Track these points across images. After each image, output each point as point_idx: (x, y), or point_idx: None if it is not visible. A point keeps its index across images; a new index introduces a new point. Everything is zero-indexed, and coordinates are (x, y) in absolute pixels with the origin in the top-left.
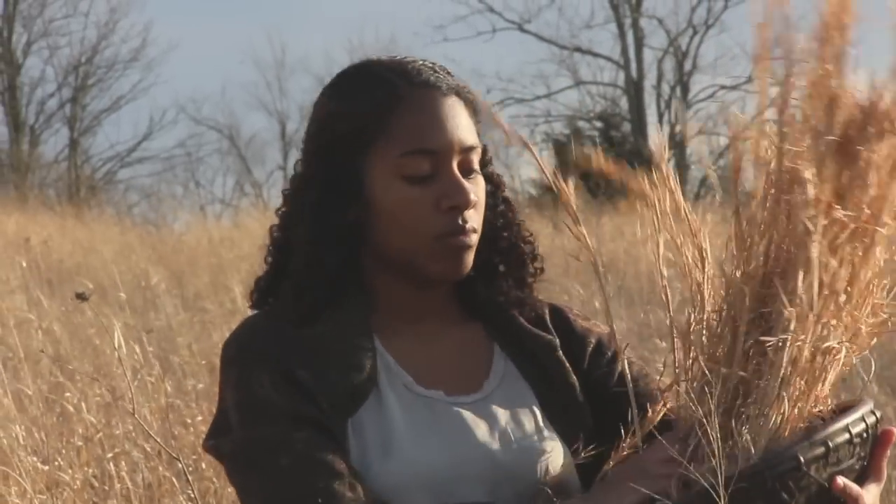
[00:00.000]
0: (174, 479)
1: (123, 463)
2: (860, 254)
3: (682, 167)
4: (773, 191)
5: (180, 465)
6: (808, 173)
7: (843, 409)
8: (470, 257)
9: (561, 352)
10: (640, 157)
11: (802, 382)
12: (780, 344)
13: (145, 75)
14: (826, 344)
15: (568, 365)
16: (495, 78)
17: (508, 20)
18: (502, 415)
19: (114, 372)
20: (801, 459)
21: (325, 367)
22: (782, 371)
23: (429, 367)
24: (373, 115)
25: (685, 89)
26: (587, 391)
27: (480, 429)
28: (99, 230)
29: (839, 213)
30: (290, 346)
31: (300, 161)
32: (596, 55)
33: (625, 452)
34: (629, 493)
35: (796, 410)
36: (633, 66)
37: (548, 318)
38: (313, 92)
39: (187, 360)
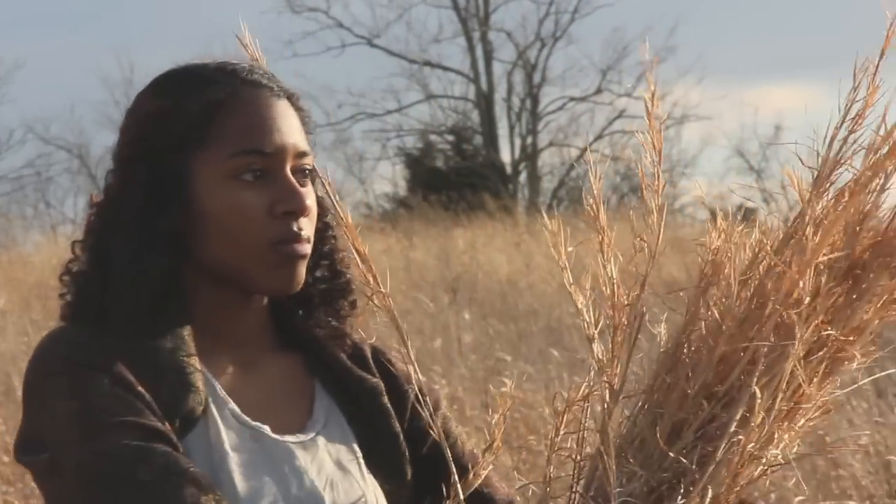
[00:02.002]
0: None
1: None
2: (823, 376)
3: (533, 178)
4: (752, 288)
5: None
6: (803, 283)
7: None
8: (303, 269)
9: (386, 398)
10: (492, 169)
11: (729, 481)
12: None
13: None
14: (773, 452)
15: (392, 412)
16: (346, 93)
17: (357, 35)
18: (328, 459)
19: None
20: None
21: (160, 384)
22: (720, 470)
23: (251, 396)
24: (201, 114)
25: (535, 101)
26: (407, 441)
27: (310, 473)
28: None
29: (827, 331)
30: (121, 358)
31: (116, 167)
32: (446, 69)
33: None
34: None
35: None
36: (483, 79)
37: (370, 358)
38: None
39: None
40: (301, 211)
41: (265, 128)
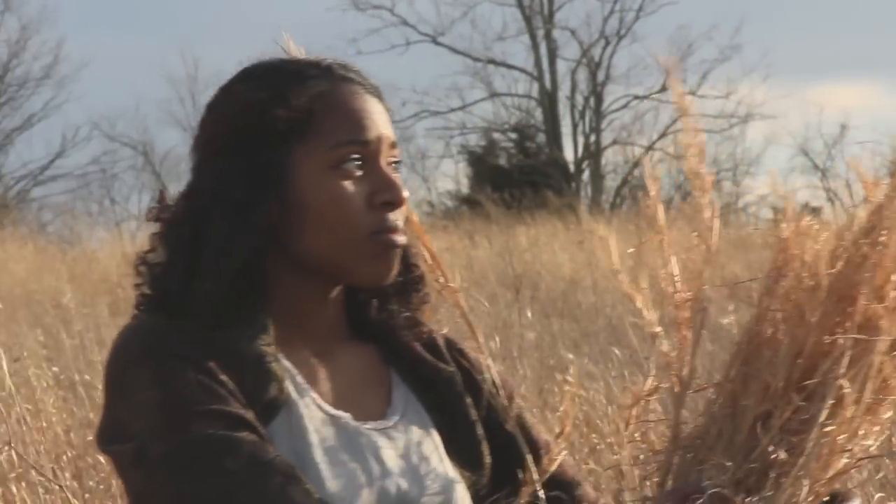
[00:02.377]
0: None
1: (24, 484)
2: None
3: (596, 177)
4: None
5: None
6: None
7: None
8: (397, 259)
9: (462, 387)
10: (555, 167)
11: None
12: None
13: (57, 93)
14: (864, 444)
15: (469, 400)
16: (410, 91)
17: (422, 33)
18: (409, 446)
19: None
20: None
21: (242, 373)
22: (810, 461)
23: (331, 385)
24: (305, 107)
25: (599, 100)
26: (483, 429)
27: (393, 459)
28: (12, 249)
29: None
30: (203, 347)
31: (207, 158)
32: (510, 67)
33: (523, 501)
34: None
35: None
36: (547, 77)
37: (444, 347)
38: None
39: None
40: (399, 202)
41: (363, 119)
